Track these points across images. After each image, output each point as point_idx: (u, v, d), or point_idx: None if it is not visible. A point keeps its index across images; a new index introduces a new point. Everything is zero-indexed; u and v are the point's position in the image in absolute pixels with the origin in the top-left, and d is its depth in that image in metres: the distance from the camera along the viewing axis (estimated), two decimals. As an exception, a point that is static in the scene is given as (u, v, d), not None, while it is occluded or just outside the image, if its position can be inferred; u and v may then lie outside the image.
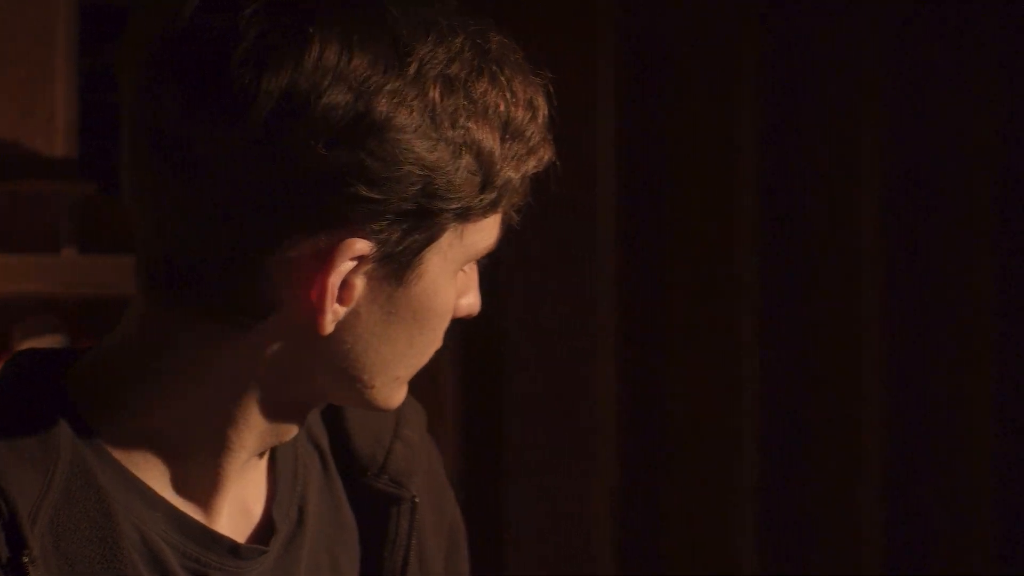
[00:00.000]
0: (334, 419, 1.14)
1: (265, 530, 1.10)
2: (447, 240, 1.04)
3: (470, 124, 1.03)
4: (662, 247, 2.98)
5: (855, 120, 3.04)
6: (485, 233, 1.06)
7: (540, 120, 1.05)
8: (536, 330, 2.82)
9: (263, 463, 1.10)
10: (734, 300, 2.97)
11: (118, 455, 1.06)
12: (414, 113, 1.01)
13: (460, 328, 2.84)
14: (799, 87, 3.02)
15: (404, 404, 1.10)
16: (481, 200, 1.04)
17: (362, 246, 1.02)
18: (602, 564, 2.88)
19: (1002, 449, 3.26)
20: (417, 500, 1.13)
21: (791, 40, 3.01)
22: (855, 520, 3.12)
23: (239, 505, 1.09)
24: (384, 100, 1.01)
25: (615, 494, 2.92)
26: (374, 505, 1.13)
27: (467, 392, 2.80)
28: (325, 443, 1.14)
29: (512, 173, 1.04)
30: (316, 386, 1.06)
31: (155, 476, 1.06)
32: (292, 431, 1.08)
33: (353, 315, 1.04)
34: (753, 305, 3.00)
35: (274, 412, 1.06)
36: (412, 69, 1.02)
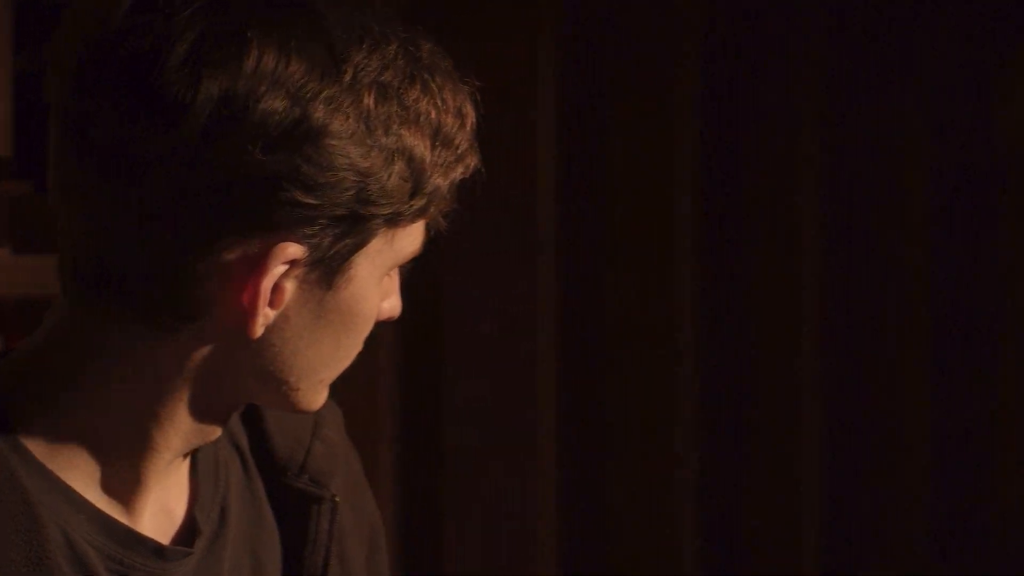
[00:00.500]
0: (253, 420, 1.15)
1: (188, 531, 1.10)
2: (376, 245, 1.06)
3: (403, 131, 1.04)
4: (602, 252, 3.00)
5: (793, 126, 3.06)
6: (412, 238, 1.08)
7: (468, 128, 1.07)
8: (476, 336, 2.83)
9: (185, 464, 1.11)
10: (673, 304, 2.99)
11: (42, 456, 1.06)
12: (349, 120, 1.03)
13: (400, 334, 2.83)
14: (739, 92, 3.04)
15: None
16: (411, 206, 1.05)
17: (295, 250, 1.03)
18: (543, 565, 2.89)
19: (939, 451, 3.29)
20: (337, 499, 1.14)
21: (731, 42, 3.03)
22: (794, 519, 3.14)
23: (162, 506, 1.10)
24: (321, 106, 1.02)
25: (556, 496, 2.93)
26: (294, 505, 1.14)
27: (407, 398, 2.80)
28: (245, 444, 1.15)
29: (441, 180, 1.06)
30: (242, 388, 1.07)
31: (79, 478, 1.06)
32: (216, 432, 1.09)
33: (282, 318, 1.05)
34: (692, 309, 3.02)
35: (199, 413, 1.07)
36: (348, 76, 1.03)
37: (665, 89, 2.93)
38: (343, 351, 1.07)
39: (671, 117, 2.95)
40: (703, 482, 3.10)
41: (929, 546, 3.26)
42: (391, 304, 1.10)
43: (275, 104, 1.00)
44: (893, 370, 3.26)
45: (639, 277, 2.97)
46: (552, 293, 2.87)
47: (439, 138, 1.05)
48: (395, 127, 1.04)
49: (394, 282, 1.11)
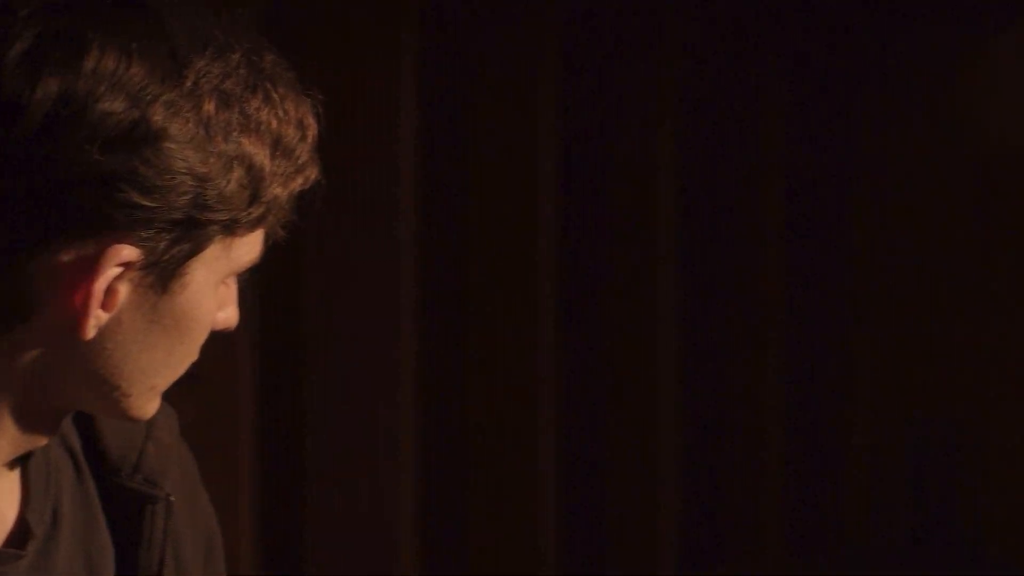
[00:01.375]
0: (85, 421, 1.14)
1: (20, 534, 1.10)
2: (212, 252, 1.06)
3: (242, 139, 1.05)
4: (464, 253, 3.01)
5: (652, 126, 3.10)
6: (249, 247, 1.08)
7: (309, 140, 1.08)
8: (336, 340, 2.83)
9: (16, 467, 1.10)
10: (535, 307, 3.02)
11: None
12: (189, 124, 1.03)
13: (259, 337, 2.80)
14: (600, 93, 3.07)
15: None
16: (249, 214, 1.06)
17: (129, 252, 1.03)
18: (405, 565, 2.89)
19: (793, 445, 3.34)
20: (172, 499, 1.14)
21: (592, 44, 3.06)
22: (652, 517, 3.18)
23: (-8, 510, 1.09)
24: (160, 110, 1.02)
25: (417, 500, 2.94)
26: (129, 505, 1.14)
27: (267, 404, 2.79)
28: (77, 445, 1.14)
29: (280, 190, 1.07)
30: (73, 393, 1.07)
31: (-93, 482, 1.05)
32: (45, 438, 1.09)
33: (115, 322, 1.05)
34: (552, 308, 3.05)
35: (29, 417, 1.07)
36: (189, 82, 1.03)
37: (527, 93, 2.95)
38: (176, 358, 1.08)
39: (533, 120, 2.96)
40: (563, 483, 3.13)
41: (782, 543, 3.32)
42: (227, 314, 1.11)
43: (114, 105, 1.01)
44: (748, 371, 3.31)
45: (501, 279, 2.99)
46: (414, 296, 2.87)
47: (279, 148, 1.06)
48: (235, 134, 1.04)
49: (231, 291, 1.11)
